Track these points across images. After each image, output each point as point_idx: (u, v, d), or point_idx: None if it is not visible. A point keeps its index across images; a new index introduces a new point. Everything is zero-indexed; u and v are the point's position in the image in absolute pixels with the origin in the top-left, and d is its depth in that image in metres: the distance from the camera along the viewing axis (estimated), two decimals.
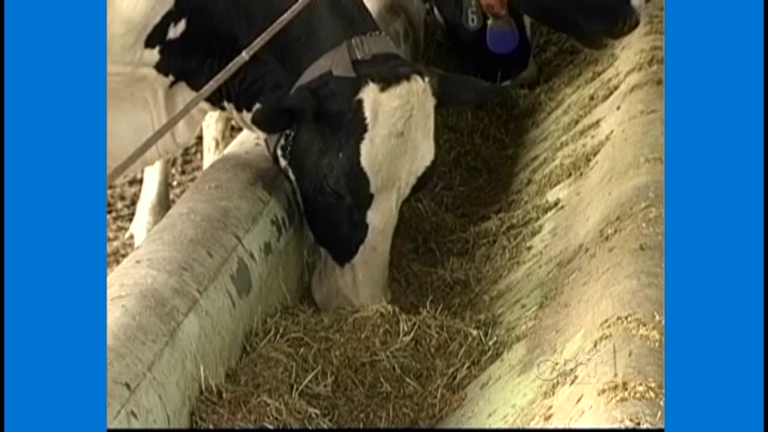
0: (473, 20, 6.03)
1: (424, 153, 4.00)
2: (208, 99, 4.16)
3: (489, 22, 6.03)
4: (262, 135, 4.11)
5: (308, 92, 3.92)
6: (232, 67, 2.91)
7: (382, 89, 3.89)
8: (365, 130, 3.88)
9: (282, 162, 4.06)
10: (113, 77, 4.01)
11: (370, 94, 3.89)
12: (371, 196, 3.94)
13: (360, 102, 3.89)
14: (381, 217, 3.97)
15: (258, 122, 3.94)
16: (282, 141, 4.03)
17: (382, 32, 4.12)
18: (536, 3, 5.82)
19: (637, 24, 5.47)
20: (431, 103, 4.00)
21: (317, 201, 4.01)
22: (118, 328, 3.05)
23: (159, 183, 6.14)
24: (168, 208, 6.02)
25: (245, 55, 2.96)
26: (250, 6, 3.99)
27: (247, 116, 4.12)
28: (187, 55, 4.07)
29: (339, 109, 3.90)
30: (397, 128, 3.90)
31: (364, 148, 3.88)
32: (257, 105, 4.06)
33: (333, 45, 3.96)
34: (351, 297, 3.97)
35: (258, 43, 2.97)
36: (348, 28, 4.00)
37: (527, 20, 6.33)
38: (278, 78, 4.02)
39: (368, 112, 3.88)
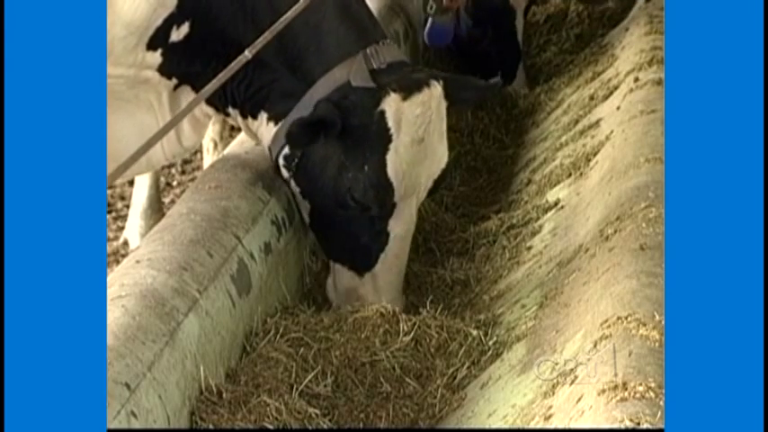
0: (431, 7, 6.00)
1: (441, 156, 4.01)
2: (213, 104, 4.15)
3: (434, 15, 5.98)
4: (266, 142, 4.08)
5: (331, 105, 3.89)
6: (234, 66, 2.90)
7: (404, 98, 3.89)
8: (390, 141, 3.88)
9: (285, 173, 4.03)
10: (116, 79, 4.00)
11: (392, 105, 3.88)
12: (395, 205, 3.94)
13: (382, 113, 3.88)
14: (403, 224, 3.97)
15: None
16: (287, 151, 4.00)
17: (390, 39, 4.12)
18: None
19: None
20: (444, 106, 4.01)
21: (336, 215, 3.97)
22: (118, 328, 3.05)
23: (150, 186, 6.14)
24: (161, 211, 6.03)
25: (247, 53, 2.95)
26: (256, 10, 3.96)
27: (252, 123, 4.09)
28: (191, 58, 4.05)
29: (362, 122, 3.88)
30: (419, 134, 3.91)
31: (390, 158, 3.88)
32: (263, 113, 4.03)
33: (346, 54, 3.94)
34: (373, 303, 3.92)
35: (261, 42, 2.96)
36: (361, 37, 3.98)
37: (519, 26, 6.33)
38: (286, 86, 3.99)
39: (391, 122, 3.88)
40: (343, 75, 3.93)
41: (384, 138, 3.88)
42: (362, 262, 4.00)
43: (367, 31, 4.03)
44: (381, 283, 3.99)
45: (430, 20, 5.95)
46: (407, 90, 3.90)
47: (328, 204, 3.97)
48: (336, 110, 3.88)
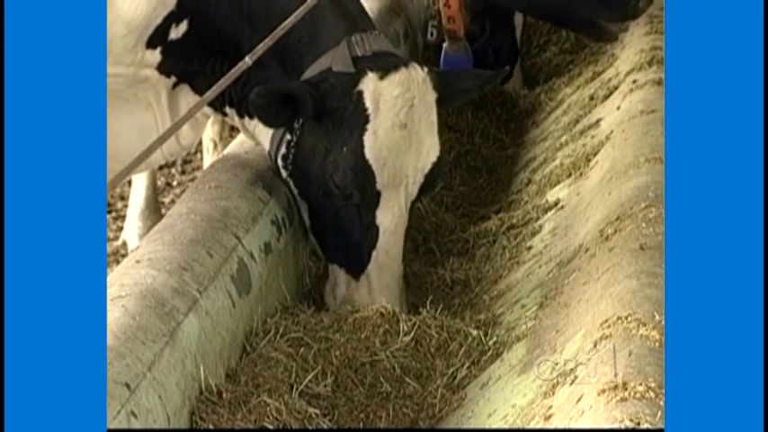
0: (432, 33, 5.97)
1: (429, 148, 3.97)
2: (211, 104, 4.15)
3: (445, 44, 5.92)
4: (265, 146, 4.08)
5: (308, 84, 3.90)
6: (235, 72, 2.89)
7: (381, 77, 3.88)
8: (367, 122, 3.86)
9: (284, 173, 4.03)
10: (115, 78, 4.01)
11: (369, 84, 3.87)
12: (379, 194, 3.91)
13: (360, 93, 3.87)
14: (391, 217, 3.93)
15: (255, 106, 3.87)
16: (284, 150, 4.00)
17: (381, 33, 4.12)
18: (535, 2, 5.73)
19: (651, 1, 5.40)
20: (432, 96, 3.98)
21: (325, 207, 3.96)
22: (118, 328, 3.05)
23: (147, 187, 6.13)
24: (159, 211, 6.03)
25: (248, 60, 2.94)
26: (252, 8, 3.97)
27: (249, 122, 4.09)
28: (189, 56, 4.06)
29: (340, 103, 3.87)
30: (400, 118, 3.89)
31: (368, 140, 3.86)
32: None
33: (334, 44, 3.95)
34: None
35: (262, 48, 2.96)
36: (349, 26, 3.99)
37: (518, 23, 6.30)
38: (280, 81, 3.99)
39: (369, 103, 3.86)
40: (327, 61, 3.94)
41: (361, 118, 3.87)
42: (355, 260, 3.97)
43: (355, 21, 4.03)
44: (375, 284, 3.95)
45: (443, 50, 5.90)
46: (385, 70, 3.89)
47: (318, 196, 3.96)
48: (312, 89, 3.87)
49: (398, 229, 3.96)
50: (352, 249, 3.97)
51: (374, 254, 3.95)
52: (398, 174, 3.91)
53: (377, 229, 3.94)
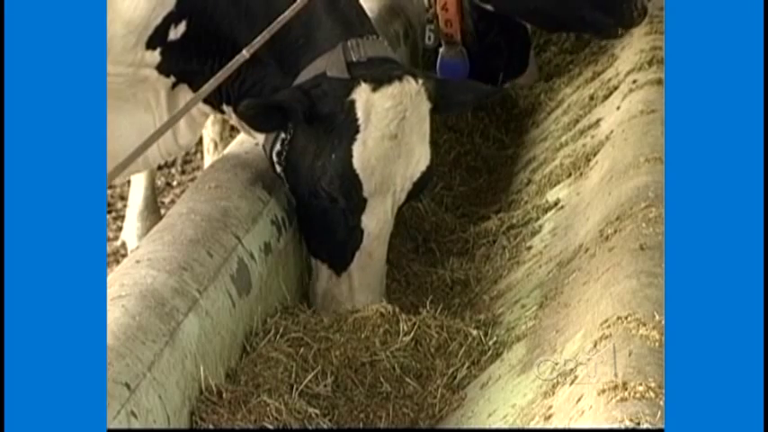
0: (429, 38, 5.96)
1: (419, 158, 3.97)
2: (209, 102, 4.15)
3: (442, 49, 5.91)
4: (260, 140, 4.09)
5: (299, 91, 3.90)
6: (233, 65, 2.90)
7: (374, 89, 3.87)
8: (357, 132, 3.87)
9: (278, 169, 4.04)
10: (115, 78, 4.01)
11: (362, 95, 3.87)
12: (365, 200, 3.92)
13: (352, 102, 3.87)
14: (376, 222, 3.95)
15: (245, 118, 3.89)
16: (278, 147, 4.01)
17: (379, 36, 4.11)
18: (534, 8, 5.73)
19: (645, 12, 5.41)
20: (425, 106, 3.98)
21: (312, 206, 3.98)
22: (118, 328, 3.05)
23: (145, 188, 6.12)
24: (158, 212, 6.02)
25: (245, 53, 2.94)
26: (250, 8, 3.98)
27: None
28: (188, 56, 4.06)
29: (331, 110, 3.88)
30: (390, 130, 3.88)
31: (356, 150, 3.86)
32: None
33: (329, 47, 3.95)
34: (346, 305, 3.93)
35: (259, 41, 2.96)
36: (345, 30, 3.99)
37: None
38: (276, 81, 3.99)
39: (360, 113, 3.86)
40: (322, 65, 3.93)
41: (352, 128, 3.87)
42: (338, 259, 3.99)
43: (352, 25, 4.03)
44: (356, 283, 3.97)
45: (439, 55, 5.88)
46: (378, 82, 3.88)
47: (305, 195, 3.98)
48: (304, 96, 3.88)
49: (383, 233, 3.99)
50: (337, 248, 4.00)
51: (357, 254, 3.97)
52: (386, 182, 3.92)
53: (361, 231, 3.96)
